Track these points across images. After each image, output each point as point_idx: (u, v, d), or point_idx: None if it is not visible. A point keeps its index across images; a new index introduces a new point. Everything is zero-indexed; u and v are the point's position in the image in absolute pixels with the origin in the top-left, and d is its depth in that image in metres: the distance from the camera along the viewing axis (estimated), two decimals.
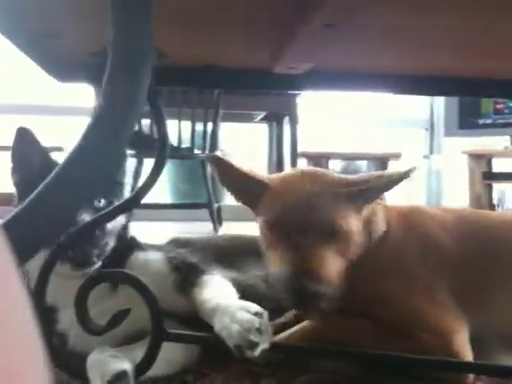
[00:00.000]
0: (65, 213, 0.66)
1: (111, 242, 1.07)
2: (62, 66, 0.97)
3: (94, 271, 1.03)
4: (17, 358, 0.25)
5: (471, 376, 1.00)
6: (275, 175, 1.05)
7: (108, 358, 0.91)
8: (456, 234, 1.08)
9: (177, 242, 1.28)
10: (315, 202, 0.95)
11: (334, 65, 0.99)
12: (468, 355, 0.98)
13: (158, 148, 1.04)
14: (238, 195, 1.04)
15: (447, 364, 0.93)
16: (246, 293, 1.12)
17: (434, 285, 1.03)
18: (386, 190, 1.00)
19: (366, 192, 0.97)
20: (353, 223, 0.97)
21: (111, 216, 0.98)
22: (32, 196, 0.66)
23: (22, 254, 0.65)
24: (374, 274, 1.03)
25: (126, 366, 0.89)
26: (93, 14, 0.66)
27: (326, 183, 0.98)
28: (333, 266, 0.93)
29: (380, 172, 1.01)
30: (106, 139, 0.66)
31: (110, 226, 1.06)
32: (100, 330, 0.98)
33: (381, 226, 1.06)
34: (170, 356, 1.03)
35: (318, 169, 1.05)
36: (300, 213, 0.93)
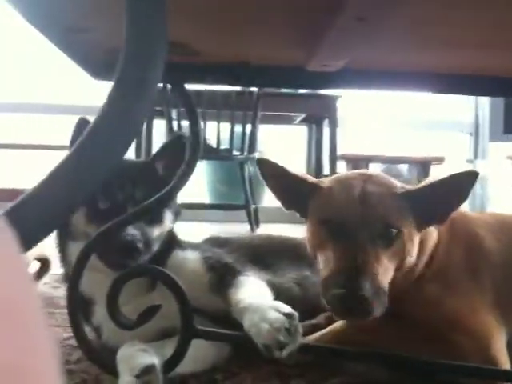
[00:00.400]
0: (73, 195, 0.67)
1: (155, 247, 1.07)
2: (96, 63, 0.98)
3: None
4: (20, 349, 0.24)
5: None
6: (326, 178, 1.04)
7: (137, 352, 0.92)
8: (502, 238, 1.06)
9: (213, 241, 1.29)
10: (372, 200, 0.93)
11: (367, 62, 0.97)
12: (505, 362, 0.95)
13: (190, 146, 1.05)
14: (285, 198, 1.03)
15: (483, 371, 0.90)
16: (280, 295, 1.12)
17: (476, 288, 1.01)
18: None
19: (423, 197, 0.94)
20: (410, 229, 0.94)
21: (140, 214, 1.00)
22: (40, 181, 0.67)
23: (32, 236, 0.66)
24: (418, 278, 1.01)
25: (155, 360, 0.90)
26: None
27: (384, 184, 0.96)
28: (386, 270, 0.90)
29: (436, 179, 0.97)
30: (117, 126, 0.66)
31: (157, 232, 1.07)
32: (131, 324, 0.99)
33: (434, 237, 1.03)
34: (200, 353, 1.04)
35: (375, 171, 1.03)
36: (356, 211, 0.92)
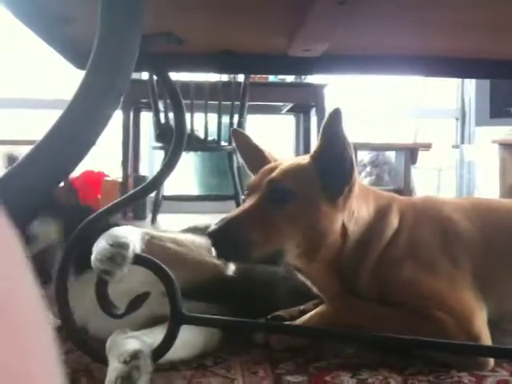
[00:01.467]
0: (57, 168, 0.67)
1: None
2: (78, 53, 0.98)
3: None
4: (18, 349, 0.23)
5: (491, 360, 0.99)
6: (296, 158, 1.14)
7: (125, 340, 0.92)
8: (476, 220, 1.09)
9: (191, 229, 1.30)
10: (278, 169, 1.04)
11: (349, 47, 0.98)
12: (487, 339, 0.98)
13: (174, 137, 1.05)
14: (249, 163, 1.18)
15: (468, 348, 0.91)
16: (266, 283, 1.14)
17: (455, 268, 1.04)
18: None
19: None
20: (313, 197, 1.01)
21: (125, 204, 1.00)
22: (23, 155, 0.68)
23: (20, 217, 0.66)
24: (392, 262, 1.05)
25: (142, 345, 0.90)
26: None
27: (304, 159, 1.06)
28: (273, 227, 0.99)
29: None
30: (92, 104, 0.66)
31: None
32: (120, 313, 0.99)
33: (390, 217, 1.08)
34: (190, 339, 1.04)
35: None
36: (261, 176, 1.05)
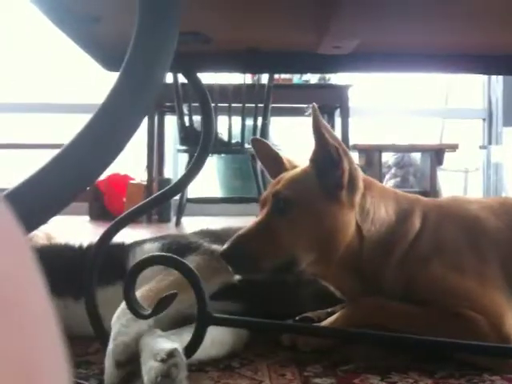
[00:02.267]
0: (79, 177, 0.67)
1: None
2: (107, 54, 0.98)
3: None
4: (26, 341, 0.23)
5: None
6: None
7: (158, 339, 0.93)
8: (503, 217, 1.08)
9: (203, 233, 1.30)
10: (278, 181, 1.07)
11: (379, 45, 0.96)
12: None
13: (202, 139, 1.05)
14: (270, 170, 1.19)
15: (502, 350, 0.89)
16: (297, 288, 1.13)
17: (484, 267, 1.02)
18: None
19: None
20: (312, 200, 1.02)
21: (149, 207, 1.00)
22: (50, 158, 0.68)
23: (33, 221, 0.66)
24: (418, 261, 1.04)
25: (176, 344, 0.91)
26: None
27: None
28: (280, 236, 1.01)
29: None
30: (124, 108, 0.66)
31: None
32: (148, 314, 0.99)
33: (412, 219, 1.07)
34: (218, 339, 1.04)
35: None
36: (267, 191, 1.09)
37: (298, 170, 1.09)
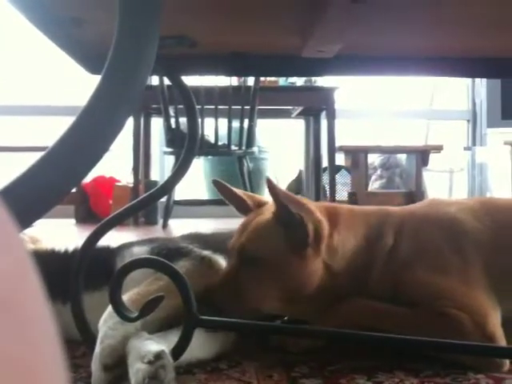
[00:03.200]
0: (63, 179, 0.67)
1: None
2: (89, 57, 0.98)
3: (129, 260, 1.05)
4: (20, 340, 0.23)
5: (507, 362, 0.98)
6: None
7: (145, 341, 0.93)
8: (485, 219, 1.08)
9: (191, 237, 1.31)
10: (243, 231, 1.08)
11: (363, 48, 0.97)
12: (502, 338, 0.98)
13: (187, 141, 1.05)
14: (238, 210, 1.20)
15: (485, 349, 0.90)
16: None
17: (466, 267, 1.03)
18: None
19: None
20: (280, 253, 1.03)
21: (136, 209, 1.00)
22: (35, 160, 0.68)
23: (26, 218, 0.66)
24: (401, 268, 1.05)
25: (163, 346, 0.91)
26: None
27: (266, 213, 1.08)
28: (248, 289, 1.04)
29: None
30: (107, 110, 0.66)
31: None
32: (134, 317, 0.99)
33: (385, 234, 1.08)
34: (205, 341, 1.04)
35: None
36: (233, 240, 1.09)
37: (262, 219, 1.07)
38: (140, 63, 0.68)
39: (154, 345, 0.92)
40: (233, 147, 3.64)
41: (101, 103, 0.68)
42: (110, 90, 0.69)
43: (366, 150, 4.02)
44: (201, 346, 1.03)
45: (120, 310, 0.98)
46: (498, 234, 1.07)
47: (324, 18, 0.73)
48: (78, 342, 1.08)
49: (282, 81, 4.14)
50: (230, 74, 1.25)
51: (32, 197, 0.67)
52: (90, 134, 0.69)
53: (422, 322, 1.00)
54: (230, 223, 1.39)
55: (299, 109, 4.23)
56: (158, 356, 0.88)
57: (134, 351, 0.93)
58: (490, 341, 0.96)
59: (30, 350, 0.23)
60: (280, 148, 5.09)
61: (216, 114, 3.55)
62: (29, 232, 1.79)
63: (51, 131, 4.47)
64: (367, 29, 0.84)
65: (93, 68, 1.04)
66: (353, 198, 3.78)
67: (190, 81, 3.17)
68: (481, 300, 1.00)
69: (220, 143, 3.63)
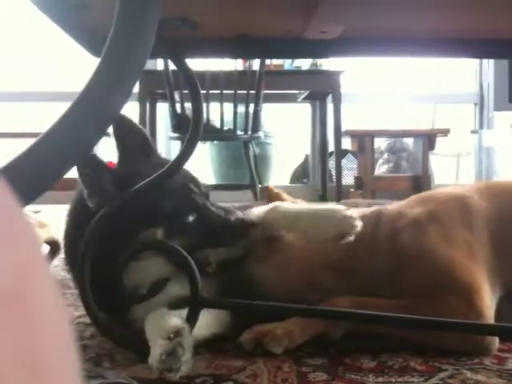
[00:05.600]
0: (70, 150, 0.68)
1: None
2: (95, 40, 0.98)
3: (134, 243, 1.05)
4: (33, 335, 0.22)
5: (495, 342, 0.99)
6: None
7: (166, 317, 0.93)
8: (492, 198, 1.11)
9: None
10: None
11: (365, 29, 0.97)
12: (490, 317, 0.99)
13: (191, 124, 1.05)
14: None
15: (471, 327, 0.91)
16: None
17: (472, 239, 1.06)
18: None
19: None
20: None
21: (142, 190, 1.01)
22: (35, 140, 0.68)
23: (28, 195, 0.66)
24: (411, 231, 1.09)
25: (186, 324, 0.91)
26: None
27: None
28: None
29: None
30: (105, 92, 0.66)
31: None
32: (140, 298, 1.01)
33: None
34: (213, 318, 1.05)
35: None
36: None
37: None
38: (139, 45, 0.68)
39: (175, 320, 0.91)
40: (238, 132, 3.63)
41: (99, 85, 0.69)
42: (108, 72, 0.69)
43: (373, 134, 4.00)
44: (209, 321, 1.03)
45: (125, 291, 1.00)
46: (504, 209, 1.10)
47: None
48: (86, 323, 1.10)
49: (287, 65, 4.12)
50: (233, 56, 1.25)
51: (29, 181, 0.67)
52: (87, 116, 0.69)
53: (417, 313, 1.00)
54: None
55: (305, 93, 4.21)
56: (178, 333, 0.87)
57: (155, 325, 0.92)
58: (478, 317, 0.97)
59: (39, 345, 0.22)
60: (286, 132, 5.08)
61: (221, 99, 3.54)
62: (36, 217, 1.80)
63: (45, 117, 4.46)
64: (369, 9, 0.84)
65: (98, 51, 1.04)
66: (359, 183, 3.77)
67: (196, 65, 3.16)
68: (475, 274, 1.01)
69: (226, 128, 3.62)
